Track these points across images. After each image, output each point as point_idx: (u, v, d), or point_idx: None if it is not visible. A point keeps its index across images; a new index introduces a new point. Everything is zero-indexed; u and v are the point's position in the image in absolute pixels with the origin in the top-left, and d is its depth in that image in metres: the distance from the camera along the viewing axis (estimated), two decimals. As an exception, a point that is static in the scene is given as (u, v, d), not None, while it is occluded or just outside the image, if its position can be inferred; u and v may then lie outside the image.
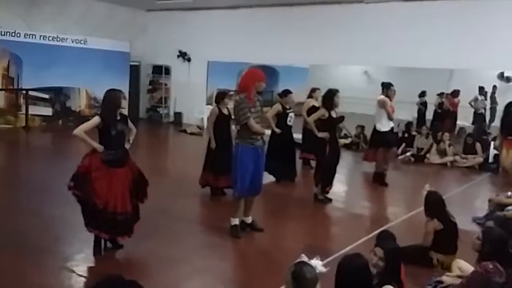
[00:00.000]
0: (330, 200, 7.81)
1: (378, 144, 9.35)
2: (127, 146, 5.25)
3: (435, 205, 5.30)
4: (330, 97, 7.54)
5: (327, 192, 7.81)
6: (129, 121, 5.38)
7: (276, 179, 9.02)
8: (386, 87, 9.12)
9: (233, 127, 7.01)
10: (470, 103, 13.54)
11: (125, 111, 5.38)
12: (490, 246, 3.93)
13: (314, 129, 7.69)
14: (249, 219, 6.20)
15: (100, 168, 5.01)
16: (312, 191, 7.87)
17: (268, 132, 7.88)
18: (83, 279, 4.66)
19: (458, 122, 14.04)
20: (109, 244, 5.33)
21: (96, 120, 5.06)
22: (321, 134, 7.54)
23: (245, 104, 5.65)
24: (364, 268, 3.17)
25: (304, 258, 3.02)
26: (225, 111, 7.58)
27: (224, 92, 8.03)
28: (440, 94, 13.97)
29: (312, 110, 9.27)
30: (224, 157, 7.38)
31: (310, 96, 9.96)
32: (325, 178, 7.69)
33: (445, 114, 13.92)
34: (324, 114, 7.52)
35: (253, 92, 5.70)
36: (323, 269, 2.99)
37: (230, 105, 7.58)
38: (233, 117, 7.00)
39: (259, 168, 5.94)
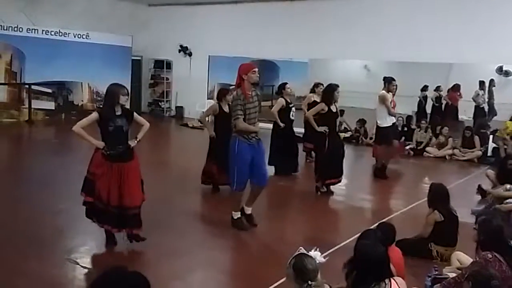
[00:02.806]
0: (332, 192, 7.90)
1: (380, 140, 9.39)
2: (132, 143, 5.14)
3: (438, 197, 5.34)
4: (330, 92, 7.62)
5: (332, 184, 7.88)
6: (139, 116, 5.34)
7: (276, 172, 9.11)
8: (388, 82, 9.13)
9: None
10: (472, 98, 13.57)
11: (127, 106, 5.35)
12: (487, 236, 3.98)
13: (313, 123, 7.77)
14: (248, 210, 6.18)
15: (102, 164, 5.02)
16: (314, 184, 7.95)
17: (267, 126, 7.94)
18: (87, 271, 4.73)
19: (459, 116, 14.07)
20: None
21: (94, 115, 5.04)
22: (320, 129, 7.61)
23: (239, 101, 5.70)
24: (382, 256, 3.26)
25: (303, 250, 3.09)
26: (226, 109, 7.53)
27: (226, 89, 8.05)
28: (437, 89, 14.00)
29: (313, 105, 9.35)
30: (226, 154, 7.43)
31: (312, 90, 10.00)
32: (325, 171, 7.76)
33: (445, 108, 13.96)
34: (323, 108, 7.58)
35: (246, 86, 5.72)
36: (323, 259, 3.06)
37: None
38: None
39: (260, 160, 5.99)
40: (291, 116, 9.04)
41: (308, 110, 9.32)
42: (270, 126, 9.02)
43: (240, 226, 6.03)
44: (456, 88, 13.79)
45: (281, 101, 9.00)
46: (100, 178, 5.02)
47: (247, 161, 5.82)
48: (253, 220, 6.16)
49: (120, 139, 5.07)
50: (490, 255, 3.78)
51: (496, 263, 3.74)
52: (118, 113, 5.06)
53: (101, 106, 14.49)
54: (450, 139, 11.94)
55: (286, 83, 9.21)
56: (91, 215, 5.25)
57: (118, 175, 5.05)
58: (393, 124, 9.36)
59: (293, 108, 9.08)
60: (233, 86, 6.25)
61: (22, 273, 4.58)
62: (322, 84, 9.88)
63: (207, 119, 8.11)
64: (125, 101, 5.10)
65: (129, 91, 5.85)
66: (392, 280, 3.28)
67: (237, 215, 6.08)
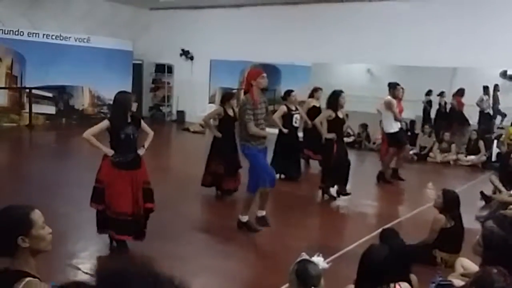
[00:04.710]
0: (334, 198, 7.84)
1: (389, 145, 9.34)
2: (141, 151, 5.20)
3: (452, 203, 5.30)
4: (335, 98, 7.60)
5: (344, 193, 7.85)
6: (145, 124, 5.38)
7: (281, 177, 9.08)
8: (393, 87, 9.09)
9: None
10: (477, 103, 13.52)
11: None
12: (494, 251, 3.89)
13: (321, 130, 7.73)
14: (262, 212, 6.14)
15: (110, 171, 5.04)
16: (316, 190, 7.91)
17: (273, 131, 7.93)
18: (89, 277, 4.68)
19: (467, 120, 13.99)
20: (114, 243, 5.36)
21: (105, 123, 5.08)
22: (328, 135, 7.58)
23: (248, 106, 5.71)
24: (387, 259, 3.22)
25: (305, 256, 3.04)
26: (230, 112, 7.56)
27: (230, 93, 8.07)
28: (440, 94, 13.96)
29: (312, 110, 9.30)
30: (229, 158, 7.38)
31: (311, 95, 9.93)
32: (333, 177, 7.71)
33: (450, 113, 13.90)
34: (330, 115, 7.56)
35: (255, 91, 5.74)
36: (326, 265, 3.02)
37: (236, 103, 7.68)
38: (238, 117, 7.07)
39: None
40: (293, 123, 8.98)
41: (307, 115, 9.28)
42: (273, 130, 8.97)
43: (250, 227, 6.03)
44: (461, 92, 13.73)
45: (282, 108, 8.98)
46: (111, 186, 5.02)
47: (263, 158, 5.90)
48: (267, 221, 6.09)
49: (130, 147, 5.13)
50: (495, 270, 3.70)
51: (502, 278, 3.67)
52: (128, 121, 5.12)
53: (102, 111, 14.67)
54: (453, 145, 11.89)
55: (292, 91, 9.16)
56: (104, 226, 5.22)
57: (129, 182, 5.07)
58: (400, 129, 9.29)
59: (296, 115, 9.02)
60: (236, 90, 6.26)
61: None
62: (321, 89, 9.85)
63: (211, 121, 8.10)
64: (135, 107, 5.14)
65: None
66: (397, 285, 3.24)
67: (245, 218, 6.06)
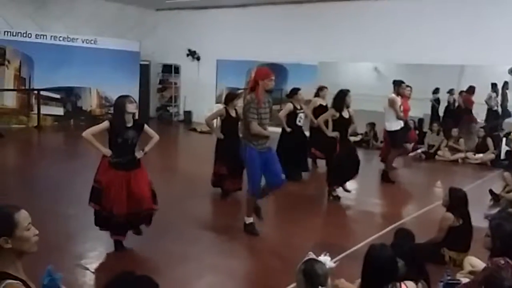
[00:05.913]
0: (339, 198, 7.81)
1: (390, 144, 9.29)
2: (139, 155, 5.19)
3: (458, 202, 5.27)
4: (341, 97, 7.53)
5: (347, 191, 7.80)
6: (149, 129, 5.37)
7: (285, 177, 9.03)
8: (397, 85, 9.04)
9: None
10: (485, 101, 13.41)
11: (136, 114, 5.37)
12: (500, 241, 3.89)
13: (324, 129, 7.70)
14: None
15: (108, 172, 5.08)
16: (322, 189, 7.88)
17: (277, 130, 7.92)
18: (97, 276, 4.72)
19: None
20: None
21: (105, 124, 5.11)
22: (331, 134, 7.55)
23: (253, 105, 5.67)
24: (390, 259, 3.22)
25: (312, 255, 3.04)
26: (232, 113, 7.55)
27: (233, 94, 8.04)
28: (450, 91, 13.85)
29: (319, 109, 9.26)
30: (233, 158, 7.38)
31: (317, 94, 9.88)
32: (335, 177, 7.68)
33: (459, 111, 13.79)
34: (334, 114, 7.52)
35: (260, 91, 5.68)
36: (333, 265, 3.01)
37: (240, 103, 7.64)
38: (241, 118, 7.06)
39: (273, 165, 5.91)
40: (297, 122, 8.94)
41: (314, 114, 9.24)
42: (278, 129, 8.95)
43: (252, 231, 5.99)
44: (471, 90, 13.61)
45: (289, 106, 8.93)
46: (107, 187, 5.05)
47: (259, 166, 5.79)
48: (260, 213, 6.06)
49: (127, 151, 5.14)
50: (502, 261, 3.70)
51: (509, 269, 3.66)
52: (129, 125, 5.12)
53: (109, 112, 14.70)
54: (461, 140, 11.83)
55: (299, 89, 9.11)
56: (100, 224, 5.28)
57: (125, 183, 5.09)
58: (401, 128, 9.21)
59: (301, 114, 8.97)
60: (241, 90, 6.22)
61: (32, 279, 4.53)
62: (326, 87, 9.80)
63: (213, 122, 8.09)
64: (134, 108, 5.15)
65: (137, 98, 5.84)
66: (403, 285, 3.23)
67: (249, 220, 6.02)
